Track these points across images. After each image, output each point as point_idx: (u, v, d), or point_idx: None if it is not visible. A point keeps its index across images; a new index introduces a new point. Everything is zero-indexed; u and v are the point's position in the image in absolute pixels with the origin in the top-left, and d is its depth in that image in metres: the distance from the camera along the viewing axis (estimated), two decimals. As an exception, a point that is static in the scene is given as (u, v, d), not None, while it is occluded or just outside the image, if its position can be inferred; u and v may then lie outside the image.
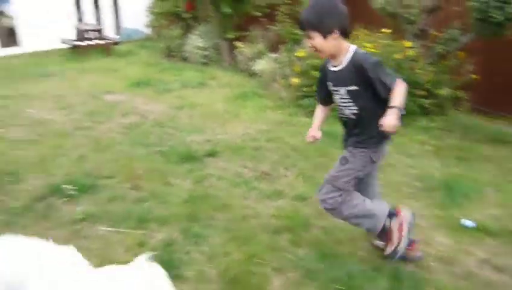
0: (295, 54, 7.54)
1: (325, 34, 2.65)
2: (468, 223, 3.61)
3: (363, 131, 2.86)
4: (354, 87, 2.74)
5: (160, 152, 4.92)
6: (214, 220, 3.55)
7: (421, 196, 4.17)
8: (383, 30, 6.63)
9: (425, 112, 6.24)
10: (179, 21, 11.70)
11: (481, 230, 3.56)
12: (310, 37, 2.70)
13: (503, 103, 6.60)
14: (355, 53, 2.72)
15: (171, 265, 2.91)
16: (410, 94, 5.92)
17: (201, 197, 3.90)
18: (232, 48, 10.02)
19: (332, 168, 3.01)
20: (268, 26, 9.34)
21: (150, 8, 13.00)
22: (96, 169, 4.48)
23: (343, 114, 2.94)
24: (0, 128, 5.75)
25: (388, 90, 2.61)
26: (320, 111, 3.21)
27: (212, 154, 4.98)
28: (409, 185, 4.39)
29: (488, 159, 5.13)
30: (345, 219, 3.01)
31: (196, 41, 10.58)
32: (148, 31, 14.23)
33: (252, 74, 8.88)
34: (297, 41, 8.36)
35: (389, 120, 2.51)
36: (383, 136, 2.80)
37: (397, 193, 4.21)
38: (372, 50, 6.28)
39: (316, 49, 2.74)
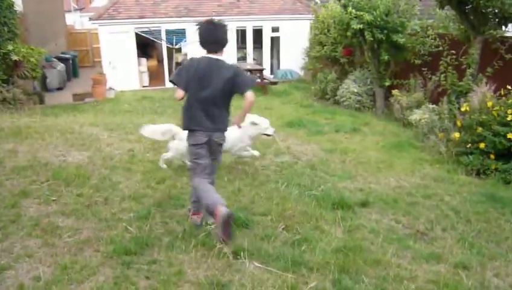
0: (458, 107, 7.15)
1: None
2: None
3: None
4: None
5: (313, 196, 4.96)
6: (366, 276, 3.43)
7: None
8: None
9: None
10: (334, 65, 11.93)
11: None
12: None
13: None
14: None
15: (323, 316, 2.88)
16: None
17: (353, 249, 3.81)
18: (388, 95, 9.88)
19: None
20: (429, 76, 9.03)
21: (307, 51, 13.51)
22: (252, 205, 4.67)
23: None
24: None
25: None
26: None
27: (364, 204, 4.89)
28: None
29: None
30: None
31: (351, 86, 10.66)
32: (301, 72, 14.75)
33: (407, 124, 8.62)
34: (460, 94, 7.93)
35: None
36: None
37: None
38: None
39: None
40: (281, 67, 15.38)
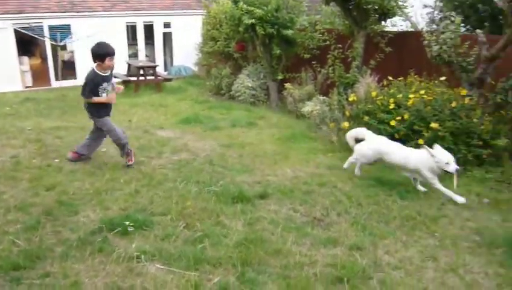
0: (346, 98, 7.55)
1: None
2: (536, 285, 3.43)
3: None
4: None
5: (212, 191, 4.94)
6: (269, 266, 3.50)
7: (481, 251, 3.98)
8: (439, 78, 6.58)
9: (481, 162, 6.06)
10: (228, 60, 11.99)
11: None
12: (113, 58, 5.48)
13: None
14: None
15: (228, 311, 2.87)
16: (466, 144, 5.82)
17: (254, 241, 3.86)
18: (281, 88, 10.15)
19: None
20: (318, 69, 9.42)
21: (200, 47, 13.43)
22: (150, 205, 4.54)
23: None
24: (55, 158, 5.96)
25: None
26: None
27: (263, 196, 4.97)
28: (466, 239, 4.21)
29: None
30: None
31: (245, 81, 10.78)
32: (196, 68, 14.65)
33: (301, 116, 8.93)
34: (348, 85, 8.38)
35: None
36: None
37: (454, 247, 4.04)
38: (425, 97, 6.22)
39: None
40: (175, 63, 15.13)
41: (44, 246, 3.68)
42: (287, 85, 9.69)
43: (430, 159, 4.94)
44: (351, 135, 5.94)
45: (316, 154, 6.74)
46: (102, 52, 5.39)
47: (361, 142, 5.73)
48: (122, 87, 6.07)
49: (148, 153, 6.38)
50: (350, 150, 6.69)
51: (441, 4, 9.08)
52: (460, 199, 4.87)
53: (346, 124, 7.03)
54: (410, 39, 8.18)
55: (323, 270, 3.48)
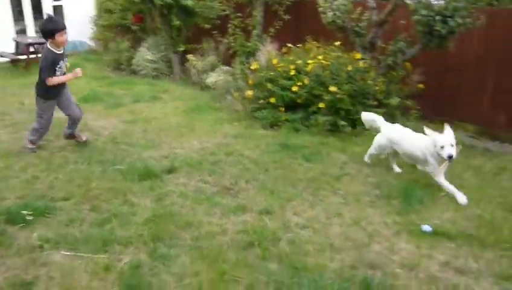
0: (249, 67, 7.59)
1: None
2: (427, 228, 3.75)
3: None
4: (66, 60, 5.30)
5: (117, 170, 4.78)
6: (180, 239, 3.49)
7: (380, 204, 4.28)
8: (334, 43, 6.82)
9: (376, 121, 6.44)
10: (126, 33, 11.49)
11: (440, 234, 3.70)
12: (65, 33, 5.06)
13: (448, 110, 6.92)
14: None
15: (140, 288, 2.83)
16: (363, 104, 6.13)
17: (164, 216, 3.82)
18: (183, 60, 9.95)
19: (71, 99, 5.59)
20: (219, 39, 9.34)
21: (95, 20, 12.72)
22: (50, 191, 4.30)
23: (64, 72, 5.27)
24: None
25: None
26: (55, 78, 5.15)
27: (171, 170, 4.90)
28: (367, 194, 4.50)
29: (439, 165, 5.33)
30: None
31: (145, 54, 10.42)
32: (92, 43, 13.88)
33: (205, 87, 8.85)
34: (249, 54, 8.42)
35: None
36: None
37: (357, 202, 4.30)
38: (323, 62, 6.43)
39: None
40: (69, 38, 14.21)
41: None
42: (190, 56, 9.52)
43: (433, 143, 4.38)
44: (364, 117, 5.41)
45: (222, 124, 6.75)
46: (50, 28, 4.97)
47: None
48: (80, 70, 5.48)
49: (45, 136, 5.98)
50: (255, 118, 6.81)
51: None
52: (462, 198, 4.23)
53: (250, 93, 7.10)
54: (307, 6, 8.33)
55: (234, 237, 3.54)
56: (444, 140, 4.23)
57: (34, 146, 5.40)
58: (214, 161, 5.22)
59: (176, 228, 3.65)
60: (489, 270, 3.25)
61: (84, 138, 5.65)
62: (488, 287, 3.08)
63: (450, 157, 4.14)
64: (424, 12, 5.76)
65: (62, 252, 3.29)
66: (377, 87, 6.27)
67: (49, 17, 5.22)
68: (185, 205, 4.08)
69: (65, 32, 5.04)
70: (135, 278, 2.94)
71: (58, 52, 5.07)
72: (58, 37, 4.96)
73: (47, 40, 5.07)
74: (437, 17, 5.68)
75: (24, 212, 3.72)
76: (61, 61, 5.13)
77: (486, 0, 5.91)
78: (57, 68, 5.09)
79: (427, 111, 6.94)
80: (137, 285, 2.84)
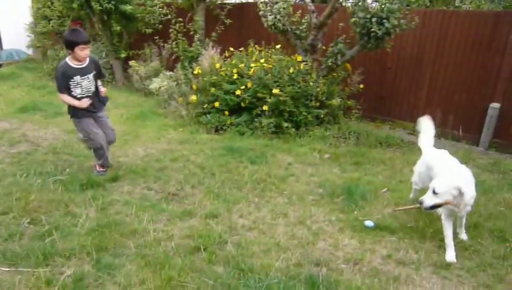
0: (192, 72, 7.56)
1: None
2: (369, 223, 3.87)
3: (99, 97, 4.89)
4: (94, 72, 4.72)
5: (59, 181, 4.62)
6: (125, 248, 3.42)
7: (324, 202, 4.37)
8: (275, 46, 6.92)
9: (320, 122, 6.59)
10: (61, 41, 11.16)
11: (382, 228, 3.83)
12: (88, 47, 4.59)
13: (387, 109, 7.19)
14: (90, 56, 4.67)
15: (84, 301, 2.76)
16: (306, 106, 6.26)
17: (108, 225, 3.73)
18: (126, 67, 9.78)
19: (107, 124, 5.02)
20: (162, 44, 9.25)
21: (32, 28, 12.28)
22: (-14, 205, 4.10)
23: (90, 91, 4.73)
24: None
25: (103, 75, 5.03)
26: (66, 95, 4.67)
27: (114, 178, 4.80)
28: (312, 193, 4.59)
29: (381, 161, 5.53)
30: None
31: (86, 61, 10.15)
32: (30, 51, 13.38)
33: (149, 93, 8.73)
34: (192, 59, 8.39)
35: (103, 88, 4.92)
36: None
37: (301, 201, 4.38)
38: (265, 65, 6.52)
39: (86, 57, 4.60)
40: (4, 47, 13.60)
41: None
42: (132, 62, 9.37)
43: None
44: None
45: (167, 130, 6.69)
46: (70, 40, 4.49)
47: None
48: (86, 100, 4.71)
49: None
50: (200, 123, 6.78)
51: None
52: (450, 256, 3.41)
53: (194, 97, 7.07)
54: (248, 10, 8.43)
55: (180, 243, 3.51)
56: (440, 185, 3.39)
57: (104, 169, 4.97)
58: (159, 168, 5.15)
59: (120, 237, 3.57)
60: (428, 261, 3.39)
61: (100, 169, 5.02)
62: (428, 276, 3.22)
63: (421, 203, 3.48)
64: (361, 14, 5.96)
65: (1, 268, 3.14)
66: (318, 89, 6.41)
67: (73, 29, 4.71)
68: (129, 213, 4.00)
69: (87, 47, 4.57)
70: (78, 289, 2.85)
71: (76, 66, 4.58)
72: (78, 51, 4.49)
73: (68, 53, 4.65)
74: (373, 19, 5.89)
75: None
76: (79, 77, 4.58)
77: (419, 1, 6.16)
78: (71, 83, 4.57)
79: (368, 110, 7.18)
80: (80, 297, 2.76)
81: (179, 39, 8.73)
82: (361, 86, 6.86)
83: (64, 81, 4.57)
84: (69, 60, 4.59)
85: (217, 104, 6.69)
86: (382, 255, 3.45)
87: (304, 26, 6.77)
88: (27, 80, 10.73)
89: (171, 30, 8.88)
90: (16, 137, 6.23)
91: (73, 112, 4.76)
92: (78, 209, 4.08)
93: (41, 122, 7.08)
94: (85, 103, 4.66)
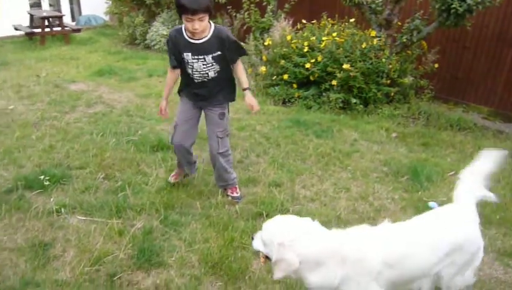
0: (263, 43, 7.59)
1: (211, 14, 3.22)
2: (433, 204, 3.79)
3: (223, 88, 3.62)
4: (218, 53, 3.36)
5: (131, 141, 4.87)
6: (191, 208, 3.59)
7: (388, 180, 4.33)
8: (349, 20, 6.79)
9: (389, 100, 6.44)
10: (140, 7, 11.50)
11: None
12: (201, 20, 3.13)
13: (462, 91, 6.88)
14: (215, 27, 3.35)
15: (153, 252, 2.94)
16: (376, 83, 6.13)
17: (176, 185, 3.92)
18: (197, 36, 9.96)
19: (214, 125, 3.70)
20: (234, 14, 9.32)
21: (110, -6, 12.73)
22: (67, 159, 4.42)
23: (206, 76, 3.47)
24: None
25: (236, 58, 3.52)
26: (173, 76, 3.66)
27: (183, 142, 4.98)
28: (376, 170, 4.55)
29: (450, 144, 5.35)
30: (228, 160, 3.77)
31: (160, 29, 10.45)
32: (107, 17, 13.93)
33: (217, 63, 8.86)
34: (264, 30, 8.41)
35: (254, 101, 3.68)
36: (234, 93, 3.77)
37: (365, 177, 4.36)
38: (337, 39, 6.42)
39: (200, 30, 3.20)
40: (83, 12, 14.25)
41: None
42: (203, 32, 9.52)
43: None
44: None
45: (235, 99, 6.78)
46: (176, 3, 3.13)
47: None
48: (256, 106, 3.75)
49: (61, 108, 6.11)
50: (268, 94, 6.84)
51: None
52: None
53: (263, 69, 7.12)
54: (322, -18, 8.27)
55: (244, 207, 3.63)
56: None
57: (238, 195, 3.84)
58: (226, 135, 5.27)
59: (187, 197, 3.74)
60: (492, 247, 3.29)
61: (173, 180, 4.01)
62: (489, 261, 3.14)
63: None
64: (441, -11, 5.70)
65: (78, 217, 3.41)
66: (390, 66, 6.25)
67: None
68: (196, 176, 4.17)
69: (199, 19, 3.10)
70: (147, 241, 3.05)
71: (189, 38, 3.30)
72: (185, 21, 3.17)
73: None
74: (454, -5, 5.62)
75: (41, 177, 3.84)
76: (190, 55, 3.33)
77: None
78: (185, 59, 3.37)
79: (441, 91, 6.92)
80: (149, 248, 2.94)
81: (251, 9, 8.75)
82: (436, 65, 6.60)
83: (173, 49, 3.40)
84: (184, 27, 3.30)
85: (285, 76, 6.70)
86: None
87: (380, 0, 6.57)
88: (103, 46, 11.23)
89: (243, 0, 8.91)
90: (92, 98, 6.59)
91: (180, 86, 3.75)
92: (149, 169, 4.30)
93: (116, 86, 7.42)
94: (164, 113, 3.74)
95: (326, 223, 3.40)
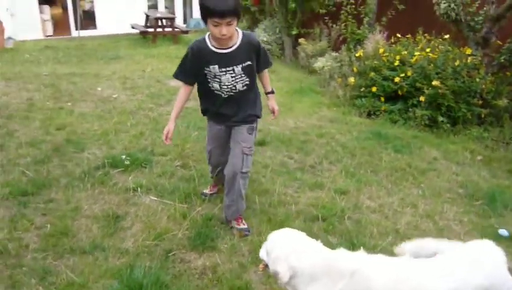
0: (355, 54, 7.61)
1: (239, 18, 2.85)
2: (504, 232, 3.62)
3: (253, 101, 3.27)
4: (248, 63, 3.02)
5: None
6: (254, 203, 3.76)
7: (460, 202, 4.17)
8: (444, 36, 6.60)
9: (481, 121, 6.15)
10: (245, 14, 12.01)
11: (516, 240, 3.56)
12: (230, 24, 2.76)
13: None
14: (244, 34, 3.00)
15: (208, 237, 3.16)
16: (467, 102, 5.90)
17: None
18: (295, 43, 10.20)
19: (240, 140, 3.22)
20: (331, 25, 9.41)
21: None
22: (152, 146, 4.82)
23: (234, 89, 3.09)
24: (68, 102, 6.27)
25: (265, 68, 3.25)
26: (186, 93, 3.26)
27: (261, 143, 5.19)
28: (450, 191, 4.40)
29: (540, 174, 5.01)
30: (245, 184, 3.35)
31: (261, 35, 10.84)
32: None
33: (312, 71, 9.01)
34: (358, 41, 8.41)
35: (276, 106, 3.52)
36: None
37: (436, 197, 4.23)
38: (430, 55, 6.27)
39: (229, 36, 2.84)
40: (194, 16, 15.18)
41: (50, 176, 4.02)
42: (301, 40, 9.74)
43: None
44: None
45: (321, 107, 6.90)
46: (201, 5, 2.79)
47: None
48: (277, 111, 3.60)
49: (158, 101, 6.64)
50: (354, 105, 6.84)
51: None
52: None
53: (352, 80, 7.14)
54: (424, -3, 8.09)
55: (303, 209, 3.73)
56: None
57: (245, 227, 3.39)
58: (304, 140, 5.41)
59: (252, 193, 3.92)
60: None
61: (210, 191, 3.90)
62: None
63: None
64: (547, 9, 5.37)
65: (151, 197, 3.75)
66: (484, 86, 5.97)
67: None
68: (266, 175, 4.35)
69: (227, 24, 2.74)
70: (205, 227, 3.28)
71: (215, 49, 2.95)
72: (210, 26, 2.79)
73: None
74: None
75: (123, 156, 4.27)
76: (217, 67, 2.97)
77: None
78: (206, 71, 3.03)
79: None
80: (205, 233, 3.17)
81: (349, 21, 8.79)
82: (537, 90, 6.19)
83: (193, 63, 3.04)
84: (208, 37, 2.99)
85: (374, 88, 6.67)
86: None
87: (480, 18, 6.30)
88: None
89: (342, 12, 8.97)
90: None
91: (201, 105, 3.41)
92: (223, 163, 4.56)
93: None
94: (168, 139, 3.32)
95: (383, 235, 3.44)
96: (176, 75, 3.21)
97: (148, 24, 12.65)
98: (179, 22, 14.43)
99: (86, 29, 13.53)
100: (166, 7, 14.88)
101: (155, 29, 12.12)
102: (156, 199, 3.72)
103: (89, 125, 5.39)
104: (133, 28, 12.67)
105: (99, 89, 7.03)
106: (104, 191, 3.79)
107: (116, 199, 3.69)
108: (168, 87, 7.46)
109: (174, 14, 14.18)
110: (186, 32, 12.78)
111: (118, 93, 6.82)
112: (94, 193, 3.75)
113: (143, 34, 12.37)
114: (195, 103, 6.53)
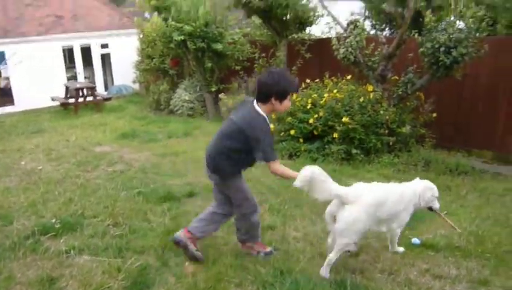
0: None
1: None
2: (415, 240, 4.02)
3: None
4: None
5: (142, 193, 5.32)
6: (187, 249, 3.91)
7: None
8: (347, 77, 7.27)
9: (390, 149, 6.75)
10: (165, 76, 12.39)
11: (428, 247, 3.95)
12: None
13: (463, 138, 7.13)
14: None
15: (144, 285, 3.28)
16: (376, 133, 6.47)
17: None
18: (216, 99, 10.64)
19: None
20: (247, 78, 9.98)
21: (137, 65, 13.75)
22: (82, 209, 4.87)
23: None
24: (-9, 179, 6.17)
25: None
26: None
27: (190, 194, 5.39)
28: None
29: (446, 187, 5.57)
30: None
31: (182, 95, 11.21)
32: (136, 86, 14.96)
33: (234, 123, 9.40)
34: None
35: None
36: None
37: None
38: (337, 95, 6.86)
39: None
40: (115, 83, 15.35)
41: (-21, 251, 3.96)
42: (221, 95, 10.20)
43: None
44: None
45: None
46: (283, 86, 3.28)
47: None
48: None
49: (85, 167, 6.69)
50: (276, 149, 7.21)
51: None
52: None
53: (272, 126, 7.55)
54: (327, 45, 8.81)
55: (234, 247, 3.94)
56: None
57: (269, 250, 3.84)
58: (231, 187, 5.65)
59: (185, 239, 4.07)
60: (468, 277, 3.48)
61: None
62: (464, 290, 3.32)
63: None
64: (428, 45, 6.13)
65: (84, 257, 3.81)
66: (387, 117, 6.60)
67: (280, 72, 3.43)
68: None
69: None
70: (141, 276, 3.40)
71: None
72: (285, 101, 3.34)
73: (263, 102, 3.34)
74: (441, 49, 6.03)
75: (53, 220, 4.31)
76: None
77: (488, 30, 6.17)
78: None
79: (443, 139, 7.18)
80: (141, 281, 3.29)
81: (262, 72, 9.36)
82: (434, 114, 6.92)
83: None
84: (261, 111, 3.36)
85: (292, 132, 7.13)
86: (420, 269, 3.59)
87: (376, 58, 7.04)
88: (131, 112, 12.06)
89: (255, 65, 9.57)
90: (114, 158, 7.16)
91: (242, 166, 3.69)
92: (155, 217, 4.70)
93: (137, 147, 8.02)
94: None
95: (309, 259, 3.71)
96: (275, 157, 3.53)
97: (68, 95, 12.66)
98: (100, 90, 14.53)
99: (3, 106, 13.26)
100: (86, 77, 14.96)
101: (76, 100, 12.16)
102: (89, 257, 3.78)
103: (15, 198, 5.35)
104: (53, 100, 12.62)
105: (22, 163, 6.98)
106: (37, 257, 3.81)
107: (50, 263, 3.71)
108: (94, 154, 7.53)
109: (94, 83, 14.28)
110: (109, 99, 12.91)
111: (43, 164, 6.80)
112: (26, 261, 3.76)
113: (64, 105, 12.36)
114: (122, 166, 6.68)
